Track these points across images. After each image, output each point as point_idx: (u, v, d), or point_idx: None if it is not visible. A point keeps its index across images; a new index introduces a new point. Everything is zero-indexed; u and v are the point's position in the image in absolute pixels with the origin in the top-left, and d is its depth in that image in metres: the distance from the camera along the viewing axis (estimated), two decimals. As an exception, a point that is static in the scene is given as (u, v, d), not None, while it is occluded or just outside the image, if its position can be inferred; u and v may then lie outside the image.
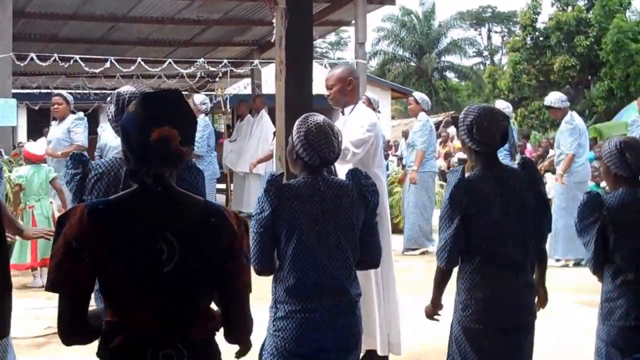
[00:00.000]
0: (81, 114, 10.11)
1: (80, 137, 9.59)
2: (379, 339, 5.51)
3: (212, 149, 12.36)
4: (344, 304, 3.59)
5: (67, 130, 9.58)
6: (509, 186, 3.82)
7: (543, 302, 4.12)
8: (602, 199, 4.01)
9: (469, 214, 3.75)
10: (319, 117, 3.71)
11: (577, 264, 9.40)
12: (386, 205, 5.76)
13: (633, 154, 3.97)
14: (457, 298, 3.88)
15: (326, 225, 3.55)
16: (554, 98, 9.79)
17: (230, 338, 2.52)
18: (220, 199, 15.38)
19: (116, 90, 3.73)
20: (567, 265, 9.44)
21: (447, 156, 19.30)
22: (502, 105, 10.44)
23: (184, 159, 2.35)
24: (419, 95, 10.71)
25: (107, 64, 14.24)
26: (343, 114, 5.63)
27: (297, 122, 3.71)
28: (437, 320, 4.10)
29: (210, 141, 12.16)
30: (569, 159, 9.56)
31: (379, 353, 5.55)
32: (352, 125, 5.44)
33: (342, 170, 4.76)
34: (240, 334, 2.54)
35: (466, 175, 3.83)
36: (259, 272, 3.52)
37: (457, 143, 17.54)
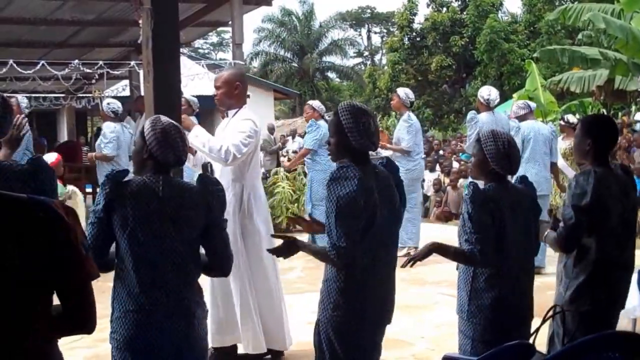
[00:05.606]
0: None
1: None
2: (285, 337, 5.76)
3: (30, 153, 11.79)
4: (179, 309, 3.50)
5: None
6: (385, 183, 3.85)
7: None
8: (485, 190, 4.06)
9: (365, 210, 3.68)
10: (166, 119, 3.71)
11: None
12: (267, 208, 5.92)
13: (515, 155, 4.09)
14: (328, 298, 3.78)
15: (163, 226, 3.47)
16: (403, 92, 10.91)
17: (70, 333, 2.33)
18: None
19: None
20: (409, 254, 9.66)
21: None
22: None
23: None
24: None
25: (-22, 66, 13.79)
26: (227, 116, 5.68)
27: (147, 124, 3.68)
28: None
29: (27, 144, 11.56)
30: (404, 151, 10.56)
31: (279, 349, 5.73)
32: (234, 128, 5.49)
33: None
34: (82, 329, 2.32)
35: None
36: None
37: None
